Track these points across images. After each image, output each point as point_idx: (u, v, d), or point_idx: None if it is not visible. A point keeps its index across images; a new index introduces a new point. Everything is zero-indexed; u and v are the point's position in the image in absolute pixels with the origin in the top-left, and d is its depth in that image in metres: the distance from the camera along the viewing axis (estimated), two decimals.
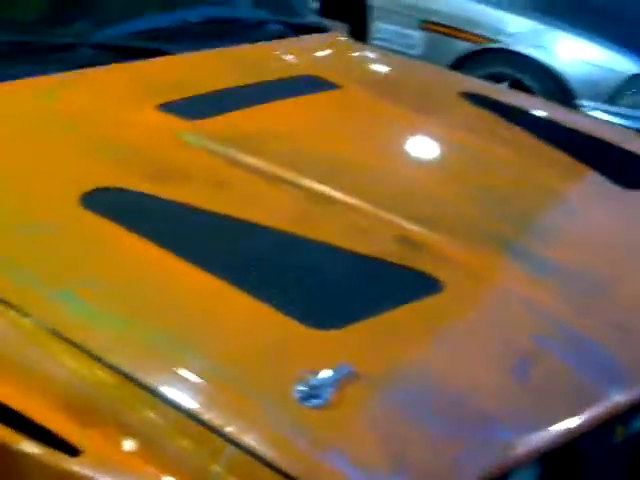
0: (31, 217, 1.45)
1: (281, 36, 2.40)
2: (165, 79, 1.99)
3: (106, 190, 1.52)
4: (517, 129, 2.10)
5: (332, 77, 2.17)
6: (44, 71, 1.90)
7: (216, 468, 1.09)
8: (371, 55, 2.67)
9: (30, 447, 1.14)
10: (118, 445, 1.13)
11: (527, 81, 4.42)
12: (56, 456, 1.13)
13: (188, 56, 2.12)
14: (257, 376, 1.19)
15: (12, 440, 1.15)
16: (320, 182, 1.64)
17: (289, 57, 2.33)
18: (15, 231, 1.41)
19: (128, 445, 1.13)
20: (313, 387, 1.16)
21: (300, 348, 1.24)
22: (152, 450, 1.12)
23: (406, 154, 1.96)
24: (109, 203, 1.49)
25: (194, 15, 2.27)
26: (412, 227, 1.55)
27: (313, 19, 2.59)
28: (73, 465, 1.12)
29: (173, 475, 1.10)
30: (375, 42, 4.09)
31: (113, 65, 1.98)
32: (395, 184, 1.73)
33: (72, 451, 1.13)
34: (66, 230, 1.43)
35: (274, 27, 2.45)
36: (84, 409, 1.17)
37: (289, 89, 2.06)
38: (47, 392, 1.19)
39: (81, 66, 1.95)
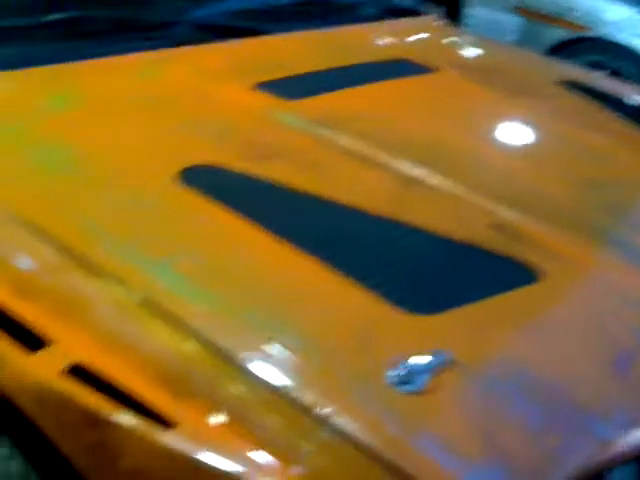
0: (131, 191, 1.46)
1: (376, 19, 2.39)
2: (261, 59, 1.99)
3: (204, 167, 1.53)
4: (617, 118, 2.05)
5: (426, 61, 2.15)
6: (142, 48, 1.92)
7: (308, 448, 1.08)
8: (466, 39, 2.62)
9: (126, 419, 1.15)
10: (211, 419, 1.14)
11: (625, 70, 4.30)
12: (151, 428, 1.14)
13: (284, 37, 2.12)
14: (351, 358, 1.18)
15: (108, 411, 1.16)
16: (415, 166, 1.62)
17: (383, 40, 2.31)
18: (116, 205, 1.43)
19: (221, 419, 1.13)
20: (408, 372, 1.14)
21: (396, 332, 1.23)
22: (244, 425, 1.12)
23: (502, 140, 1.92)
24: (206, 180, 1.49)
25: None
26: (508, 214, 1.52)
27: (408, 2, 2.56)
28: (168, 437, 1.12)
29: (265, 451, 1.11)
30: (469, 27, 4.03)
31: (210, 44, 1.99)
32: (490, 170, 1.70)
33: (167, 424, 1.14)
34: (165, 205, 1.44)
35: (369, 10, 2.44)
36: (179, 382, 1.17)
37: (383, 72, 2.04)
38: (143, 365, 1.19)
39: (179, 44, 1.97)
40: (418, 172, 1.60)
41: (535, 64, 2.50)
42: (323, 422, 1.09)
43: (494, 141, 1.88)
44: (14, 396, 1.24)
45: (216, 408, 1.14)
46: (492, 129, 1.92)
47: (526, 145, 1.92)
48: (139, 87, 1.80)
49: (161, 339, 1.22)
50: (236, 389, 1.15)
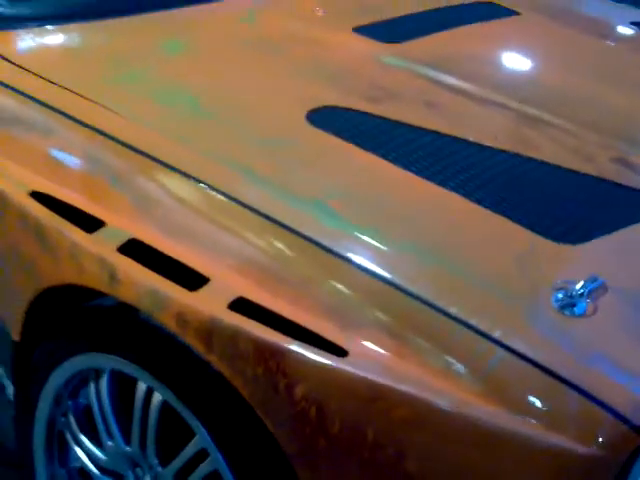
0: (265, 133, 1.50)
1: None
2: (355, 3, 2.02)
3: (328, 108, 1.57)
4: None
5: (510, 4, 2.19)
6: None
7: (484, 367, 1.14)
8: None
9: (299, 348, 1.20)
10: (378, 345, 1.19)
11: None
12: (325, 356, 1.19)
13: None
14: (515, 285, 1.23)
15: (281, 341, 1.22)
16: (528, 104, 1.67)
17: None
18: (253, 145, 1.47)
19: (388, 346, 1.19)
20: (570, 296, 1.19)
21: (550, 260, 1.28)
22: (414, 351, 1.18)
23: (598, 77, 1.96)
24: (333, 120, 1.53)
25: None
26: (627, 148, 1.57)
27: None
28: (342, 364, 1.18)
29: (434, 376, 1.16)
30: None
31: None
32: (597, 107, 1.74)
33: (338, 352, 1.20)
34: (300, 145, 1.48)
35: None
36: (344, 313, 1.23)
37: (472, 15, 2.08)
38: (306, 298, 1.25)
39: None
40: (532, 110, 1.64)
41: (605, 8, 2.54)
42: (500, 344, 1.15)
43: (596, 79, 1.92)
44: (181, 333, 1.30)
45: (383, 336, 1.20)
46: (590, 68, 1.95)
47: (620, 81, 1.95)
48: (243, 31, 1.84)
49: (319, 273, 1.27)
50: (401, 316, 1.20)
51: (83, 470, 1.64)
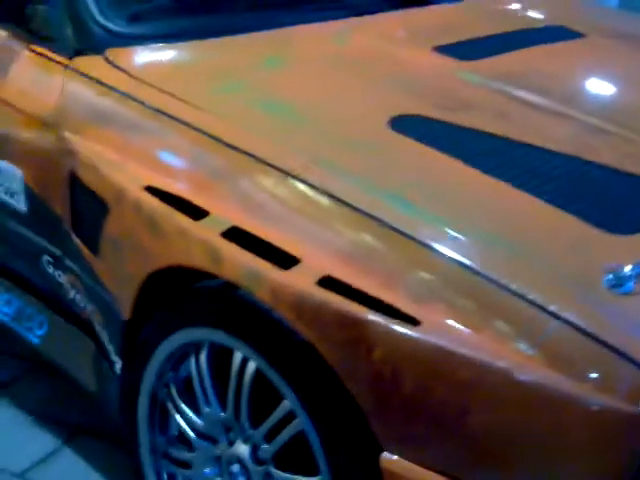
0: (351, 135, 1.69)
1: None
2: (434, 25, 2.22)
3: (409, 116, 1.76)
4: None
5: (576, 27, 2.36)
6: (326, 18, 2.16)
7: (541, 337, 1.30)
8: (602, 9, 2.83)
9: (378, 318, 1.38)
10: (446, 317, 1.36)
11: None
12: (400, 325, 1.37)
13: (448, 6, 2.35)
14: (571, 268, 1.40)
15: (362, 312, 1.40)
16: (589, 114, 1.83)
17: (534, 9, 2.53)
18: (341, 146, 1.66)
19: (459, 318, 1.36)
20: (619, 278, 1.35)
21: (601, 247, 1.44)
22: (472, 320, 1.34)
23: None
24: (413, 127, 1.72)
25: None
26: None
27: None
28: (414, 331, 1.36)
29: (495, 343, 1.32)
30: None
31: (384, 13, 2.23)
32: None
33: (412, 322, 1.37)
34: (385, 147, 1.67)
35: None
36: (418, 289, 1.40)
37: (543, 37, 2.26)
38: (390, 278, 1.42)
39: (358, 14, 2.21)
40: (594, 120, 1.81)
41: None
42: (554, 314, 1.31)
43: None
44: (275, 306, 1.49)
45: (450, 308, 1.37)
46: None
47: None
48: (334, 50, 2.05)
49: (399, 255, 1.45)
50: (468, 292, 1.38)
51: (179, 437, 1.84)
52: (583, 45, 2.24)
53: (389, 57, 2.01)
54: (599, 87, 2.01)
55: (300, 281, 1.46)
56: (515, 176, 1.58)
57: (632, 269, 1.36)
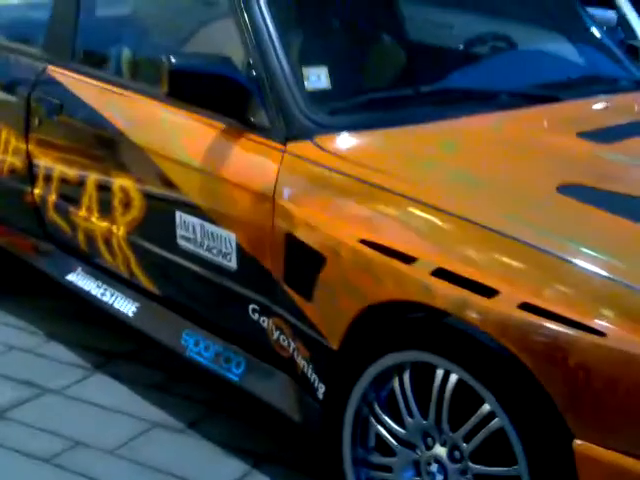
0: (528, 201, 2.15)
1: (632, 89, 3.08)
2: (570, 117, 2.69)
3: (570, 185, 2.20)
4: None
5: None
6: (481, 111, 2.65)
7: None
8: None
9: (574, 333, 1.80)
10: (621, 327, 1.78)
11: None
12: (590, 336, 1.79)
13: (577, 102, 2.82)
14: None
15: (561, 328, 1.82)
16: None
17: None
18: (525, 206, 2.12)
19: (626, 327, 1.78)
20: None
21: None
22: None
23: None
24: (577, 192, 2.15)
25: (575, 73, 3.06)
26: None
27: None
28: (604, 341, 1.77)
29: None
30: None
31: (529, 107, 2.71)
32: None
33: (599, 334, 1.78)
34: (562, 207, 2.11)
35: (626, 83, 3.12)
36: (603, 310, 1.82)
37: None
38: (573, 300, 1.85)
39: (502, 108, 2.69)
40: None
41: None
42: None
43: None
44: (481, 326, 1.92)
45: (622, 320, 1.79)
46: None
47: None
48: (493, 136, 2.53)
49: (583, 288, 1.86)
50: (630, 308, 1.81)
51: (375, 447, 2.25)
52: None
53: (540, 141, 2.47)
54: None
55: (504, 306, 1.89)
56: None
57: None
